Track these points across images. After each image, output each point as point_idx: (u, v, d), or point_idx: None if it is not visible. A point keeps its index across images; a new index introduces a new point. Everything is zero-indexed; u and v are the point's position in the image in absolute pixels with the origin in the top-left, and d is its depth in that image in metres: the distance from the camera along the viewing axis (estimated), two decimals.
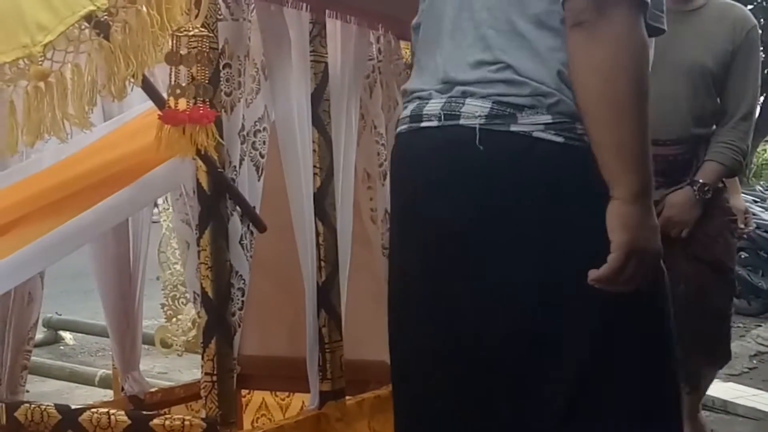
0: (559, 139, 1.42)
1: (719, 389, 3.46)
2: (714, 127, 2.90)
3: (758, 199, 8.30)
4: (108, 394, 3.32)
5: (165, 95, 1.76)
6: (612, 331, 1.45)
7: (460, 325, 1.48)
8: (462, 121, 1.44)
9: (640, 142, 1.41)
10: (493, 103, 1.43)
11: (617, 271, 1.39)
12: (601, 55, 1.37)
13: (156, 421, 1.91)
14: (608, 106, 1.39)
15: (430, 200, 1.50)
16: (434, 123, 1.48)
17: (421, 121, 1.50)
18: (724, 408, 3.93)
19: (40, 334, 5.30)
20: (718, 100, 2.88)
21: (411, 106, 1.53)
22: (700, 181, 2.82)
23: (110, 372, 3.05)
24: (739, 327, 5.95)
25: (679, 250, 2.86)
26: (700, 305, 2.87)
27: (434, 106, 1.48)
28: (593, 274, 1.39)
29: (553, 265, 1.43)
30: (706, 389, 3.08)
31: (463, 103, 1.45)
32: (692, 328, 2.90)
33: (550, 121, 1.42)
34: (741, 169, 2.97)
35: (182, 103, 1.71)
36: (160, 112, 1.73)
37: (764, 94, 12.46)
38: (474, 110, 1.44)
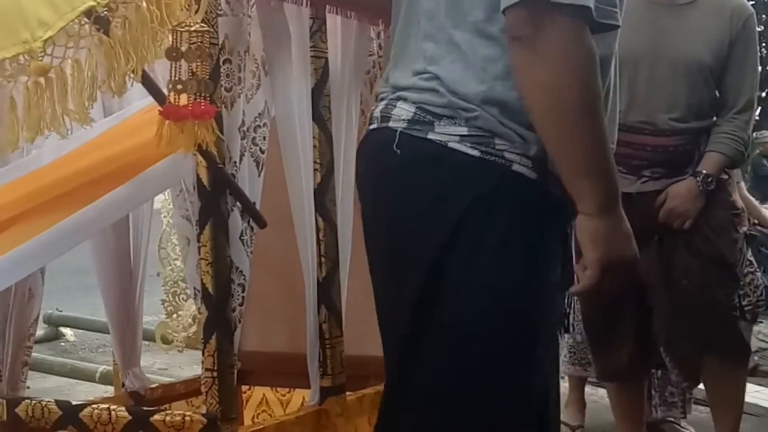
0: (475, 153, 1.41)
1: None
2: (714, 118, 2.90)
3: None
4: (109, 391, 3.32)
5: (165, 91, 1.76)
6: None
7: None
8: (390, 124, 1.48)
9: (597, 154, 1.38)
10: (417, 108, 1.45)
11: (594, 286, 1.40)
12: (545, 74, 1.34)
13: (156, 416, 1.91)
14: (558, 123, 1.36)
15: (359, 198, 1.60)
16: (375, 125, 1.53)
17: (371, 123, 1.55)
18: None
19: (40, 331, 5.31)
20: (718, 92, 2.88)
21: (372, 108, 1.59)
22: (704, 171, 2.82)
23: (111, 368, 3.06)
24: None
25: (682, 244, 2.88)
26: (703, 301, 2.87)
27: (379, 108, 1.53)
28: (573, 288, 1.44)
29: (443, 276, 1.42)
30: (734, 396, 3.00)
31: (395, 106, 1.48)
32: (698, 326, 2.89)
33: (466, 133, 1.41)
34: (743, 159, 2.98)
35: (182, 99, 1.70)
36: (160, 108, 1.72)
37: (765, 91, 12.44)
38: (401, 113, 1.46)
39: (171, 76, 1.71)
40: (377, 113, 1.53)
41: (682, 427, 3.70)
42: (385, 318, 1.56)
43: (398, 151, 1.44)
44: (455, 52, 1.42)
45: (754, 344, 5.30)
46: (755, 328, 5.74)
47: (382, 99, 1.53)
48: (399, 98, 1.48)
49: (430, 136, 1.43)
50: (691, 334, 2.90)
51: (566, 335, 3.52)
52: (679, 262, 2.87)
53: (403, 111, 1.46)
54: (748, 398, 4.00)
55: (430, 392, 1.46)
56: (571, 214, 1.47)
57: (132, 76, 1.57)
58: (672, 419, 3.69)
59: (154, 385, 2.54)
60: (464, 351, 1.44)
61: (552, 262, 1.49)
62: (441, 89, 1.42)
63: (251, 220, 1.98)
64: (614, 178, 1.41)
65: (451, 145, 1.41)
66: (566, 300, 1.75)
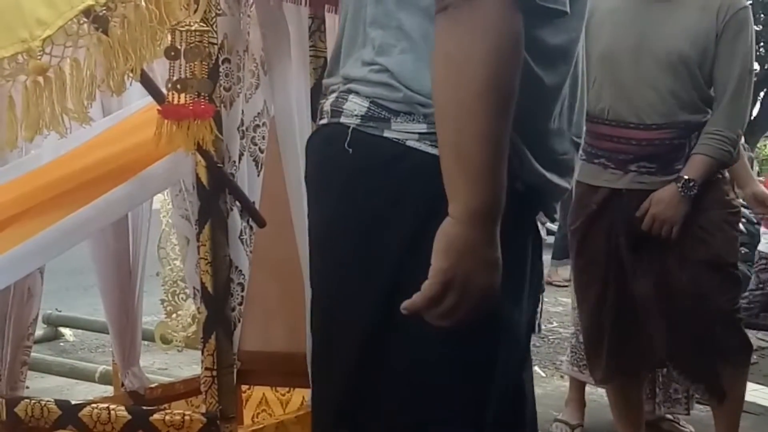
0: (434, 151, 1.26)
1: None
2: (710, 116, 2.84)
3: None
4: (108, 390, 3.32)
5: (164, 90, 1.76)
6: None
7: (315, 317, 1.47)
8: (342, 119, 1.34)
9: (486, 151, 1.20)
10: (370, 103, 1.31)
11: (431, 302, 1.22)
12: (455, 42, 1.19)
13: (156, 416, 1.91)
14: (453, 100, 1.20)
15: (308, 200, 1.46)
16: (325, 120, 1.39)
17: (321, 117, 1.41)
18: None
19: (39, 331, 5.30)
20: (712, 89, 2.83)
21: (323, 101, 1.44)
22: (685, 177, 2.76)
23: (110, 368, 3.05)
24: None
25: (672, 254, 2.81)
26: (703, 311, 2.80)
27: (329, 101, 1.39)
28: (408, 302, 1.22)
29: (402, 283, 1.28)
30: (737, 393, 2.96)
31: (346, 100, 1.34)
32: (699, 334, 2.81)
33: (425, 130, 1.28)
34: (731, 160, 2.88)
35: (181, 98, 1.71)
36: (159, 107, 1.73)
37: (765, 89, 12.41)
38: (353, 108, 1.33)
39: (170, 76, 1.71)
40: (327, 107, 1.38)
41: (682, 426, 3.70)
42: (334, 327, 1.40)
43: (350, 150, 1.31)
44: (405, 40, 1.30)
45: (754, 343, 5.30)
46: None
47: (333, 91, 1.39)
48: (350, 91, 1.34)
49: (386, 134, 1.30)
50: (699, 350, 2.85)
51: (571, 335, 3.50)
52: (672, 275, 2.82)
53: (356, 105, 1.33)
54: (747, 397, 4.01)
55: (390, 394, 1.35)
56: (546, 210, 1.41)
57: (131, 75, 1.57)
58: (671, 417, 3.69)
59: (153, 385, 2.54)
60: (420, 358, 1.32)
61: (521, 263, 1.38)
62: (394, 83, 1.29)
63: (250, 219, 1.98)
64: (498, 187, 1.22)
65: (409, 143, 1.29)
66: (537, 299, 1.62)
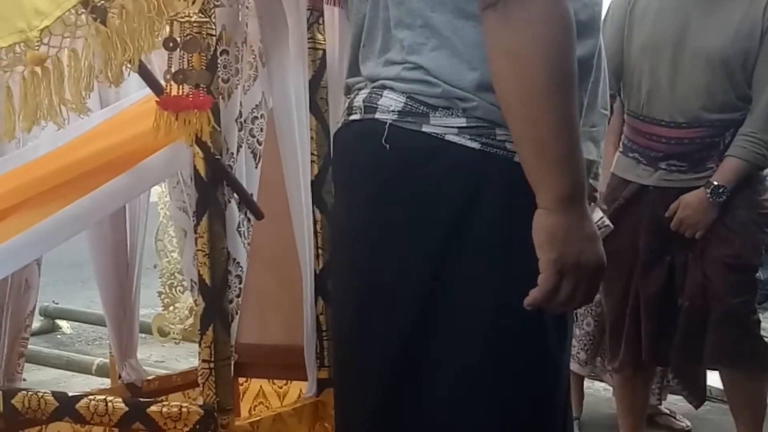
0: (475, 145, 1.27)
1: (717, 379, 3.47)
2: (746, 113, 2.77)
3: None
4: (105, 383, 3.32)
5: (162, 82, 1.75)
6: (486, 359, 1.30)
7: (341, 324, 1.44)
8: (378, 115, 1.32)
9: (565, 138, 1.22)
10: (408, 98, 1.30)
11: (551, 293, 1.23)
12: (514, 38, 1.20)
13: (153, 408, 1.91)
14: (523, 96, 1.21)
15: (338, 195, 1.45)
16: (357, 116, 1.37)
17: (351, 113, 1.39)
18: (722, 397, 3.93)
19: (37, 323, 5.31)
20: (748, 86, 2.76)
21: (349, 98, 1.42)
22: (715, 183, 2.71)
23: (107, 360, 3.06)
24: None
25: (692, 251, 2.76)
26: (719, 313, 2.75)
27: (361, 97, 1.37)
28: (528, 297, 1.24)
29: (443, 277, 1.29)
30: (757, 404, 2.87)
31: (381, 95, 1.33)
32: (714, 341, 2.75)
33: (465, 124, 1.28)
34: (766, 163, 2.80)
35: (179, 90, 1.70)
36: (157, 99, 1.72)
37: None
38: (389, 104, 1.31)
39: (168, 67, 1.70)
40: (359, 102, 1.36)
41: (678, 420, 3.71)
42: (365, 335, 1.37)
43: (387, 146, 1.30)
44: (435, 38, 1.28)
45: None
46: None
47: (359, 89, 1.38)
48: (384, 87, 1.33)
49: (425, 128, 1.29)
50: (700, 354, 2.80)
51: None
52: (691, 279, 2.78)
53: (392, 101, 1.31)
54: None
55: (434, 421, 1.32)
56: None
57: (129, 66, 1.56)
58: (668, 411, 3.70)
59: (150, 377, 2.54)
60: (464, 362, 1.30)
61: None
62: (431, 79, 1.28)
63: (248, 211, 1.98)
64: (581, 168, 1.24)
65: (448, 137, 1.28)
66: None
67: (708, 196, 2.72)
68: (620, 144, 2.94)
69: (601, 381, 3.66)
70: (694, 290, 2.78)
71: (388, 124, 1.31)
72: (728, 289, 2.75)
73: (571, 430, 1.44)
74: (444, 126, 1.29)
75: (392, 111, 1.31)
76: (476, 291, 1.29)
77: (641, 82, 2.81)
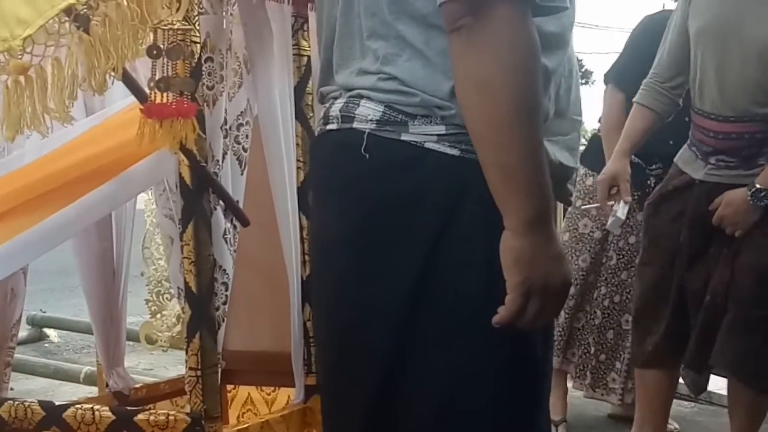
0: (454, 152, 1.28)
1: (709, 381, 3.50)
2: None
3: None
4: (93, 391, 3.31)
5: (146, 89, 1.75)
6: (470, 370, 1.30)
7: (326, 334, 1.44)
8: (355, 125, 1.32)
9: (530, 163, 1.23)
10: (385, 107, 1.30)
11: (518, 313, 1.25)
12: (479, 64, 1.20)
13: (140, 416, 1.91)
14: (489, 122, 1.22)
15: (317, 206, 1.45)
16: (335, 125, 1.36)
17: (328, 122, 1.38)
18: (710, 399, 3.95)
19: (24, 332, 5.29)
20: None
21: (325, 106, 1.42)
22: (757, 185, 2.64)
23: (95, 369, 3.04)
24: None
25: (729, 253, 2.70)
26: (734, 318, 2.69)
27: (337, 106, 1.36)
28: (496, 317, 1.25)
29: (427, 286, 1.29)
30: (755, 418, 2.82)
31: (358, 105, 1.32)
32: (721, 340, 2.68)
33: (444, 132, 1.28)
34: None
35: (164, 97, 1.70)
36: (142, 106, 1.72)
37: None
38: (367, 113, 1.31)
39: (152, 75, 1.70)
40: (335, 112, 1.36)
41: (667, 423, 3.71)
42: (350, 346, 1.37)
43: (367, 155, 1.29)
44: (408, 49, 1.29)
45: None
46: None
47: (334, 98, 1.38)
48: (361, 96, 1.32)
49: (404, 137, 1.29)
50: (712, 353, 2.74)
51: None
52: (718, 276, 2.72)
53: (370, 110, 1.30)
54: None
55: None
56: (560, 192, 1.39)
57: (113, 74, 1.56)
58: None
59: (138, 385, 2.53)
60: (459, 386, 1.30)
61: None
62: (407, 89, 1.28)
63: (234, 218, 1.98)
64: (547, 191, 1.25)
65: (427, 145, 1.28)
66: None
67: (749, 198, 2.66)
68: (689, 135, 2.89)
69: (583, 388, 3.65)
70: (718, 288, 2.72)
71: (366, 133, 1.30)
72: (750, 298, 2.70)
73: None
74: (423, 134, 1.29)
75: (370, 120, 1.31)
76: (460, 297, 1.29)
77: (696, 74, 2.75)
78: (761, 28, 2.63)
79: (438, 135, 1.28)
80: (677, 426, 3.68)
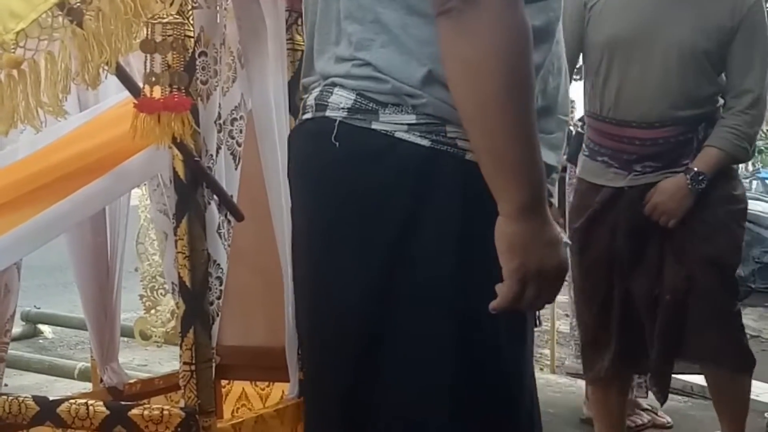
0: (425, 142, 1.27)
1: (698, 376, 3.48)
2: (718, 105, 2.73)
3: None
4: (87, 387, 3.31)
5: (140, 84, 1.75)
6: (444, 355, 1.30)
7: (304, 321, 1.45)
8: (328, 113, 1.32)
9: (522, 147, 1.22)
10: (357, 95, 1.29)
11: (514, 299, 1.24)
12: (470, 48, 1.18)
13: (135, 411, 1.90)
14: (480, 106, 1.20)
15: (293, 194, 1.45)
16: (309, 114, 1.36)
17: (305, 112, 1.39)
18: (703, 393, 3.97)
19: (18, 328, 5.28)
20: (723, 77, 2.71)
21: (305, 97, 1.42)
22: (695, 169, 2.65)
23: (89, 365, 3.04)
24: None
25: (673, 251, 2.70)
26: (702, 311, 2.69)
27: (313, 95, 1.36)
28: (492, 303, 1.25)
29: (396, 276, 1.28)
30: (740, 402, 2.83)
31: (331, 93, 1.32)
32: (695, 336, 2.69)
33: (414, 121, 1.27)
34: (747, 157, 2.79)
35: (157, 91, 1.70)
36: (135, 101, 1.72)
37: None
38: (339, 101, 1.30)
39: (146, 69, 1.70)
40: (311, 101, 1.36)
41: (660, 416, 3.73)
42: (322, 334, 1.38)
43: (337, 143, 1.29)
44: (385, 34, 1.27)
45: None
46: None
47: (314, 87, 1.37)
48: (334, 84, 1.32)
49: (375, 126, 1.28)
50: (677, 351, 2.76)
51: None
52: (672, 273, 2.72)
53: (342, 98, 1.30)
54: None
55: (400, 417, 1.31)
56: None
57: (106, 68, 1.56)
58: (649, 407, 3.72)
59: (132, 381, 2.53)
60: (419, 357, 1.29)
61: None
62: (379, 75, 1.27)
63: (228, 213, 1.98)
64: (540, 175, 1.24)
65: (398, 135, 1.27)
66: None
67: (688, 182, 2.66)
68: (584, 147, 2.87)
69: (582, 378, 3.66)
70: (677, 286, 2.72)
71: (337, 121, 1.30)
72: (713, 288, 2.71)
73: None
74: (393, 123, 1.28)
75: (342, 108, 1.30)
76: (429, 288, 1.28)
77: (607, 82, 2.73)
78: (679, 30, 2.64)
79: (408, 124, 1.27)
80: (670, 420, 3.69)
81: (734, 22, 2.66)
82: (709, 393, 3.01)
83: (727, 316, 2.76)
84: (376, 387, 1.32)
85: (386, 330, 1.30)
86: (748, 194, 3.21)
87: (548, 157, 1.40)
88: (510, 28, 1.19)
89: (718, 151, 2.68)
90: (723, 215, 2.73)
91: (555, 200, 1.50)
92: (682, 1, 2.66)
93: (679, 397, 3.99)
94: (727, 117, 2.71)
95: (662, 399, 2.92)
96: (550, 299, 1.30)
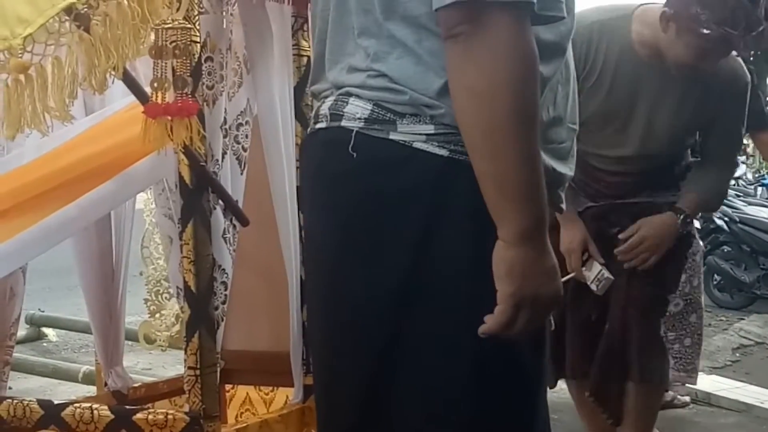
0: (443, 152, 1.26)
1: (703, 382, 3.49)
2: (689, 151, 2.83)
3: (740, 194, 8.33)
4: (92, 391, 3.31)
5: (146, 89, 1.75)
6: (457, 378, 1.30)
7: (317, 330, 1.43)
8: (343, 123, 1.31)
9: (525, 174, 1.22)
10: (374, 105, 1.28)
11: (506, 324, 1.24)
12: (476, 74, 1.19)
13: (139, 415, 1.91)
14: (485, 132, 1.20)
15: (306, 203, 1.45)
16: (323, 124, 1.35)
17: (318, 121, 1.38)
18: (708, 400, 3.96)
19: (22, 331, 5.28)
20: (699, 140, 2.81)
21: (316, 105, 1.42)
22: (685, 212, 2.71)
23: (93, 368, 3.05)
24: (722, 320, 5.97)
25: (621, 275, 2.74)
26: (642, 334, 2.76)
27: (327, 104, 1.35)
28: (483, 327, 1.25)
29: (412, 287, 1.28)
30: (648, 417, 2.91)
31: (347, 103, 1.31)
32: (637, 356, 2.76)
33: (432, 132, 1.26)
34: (717, 208, 3.02)
35: (165, 96, 1.70)
36: (143, 107, 1.72)
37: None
38: (355, 111, 1.29)
39: (153, 74, 1.71)
40: (325, 110, 1.35)
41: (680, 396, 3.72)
42: (339, 345, 1.37)
43: (354, 153, 1.28)
44: (399, 47, 1.27)
45: (736, 341, 5.35)
46: (737, 324, 5.81)
47: (326, 96, 1.36)
48: (349, 94, 1.31)
49: (392, 136, 1.27)
50: (623, 372, 2.82)
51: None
52: (615, 297, 2.79)
53: (359, 108, 1.29)
54: (730, 395, 4.05)
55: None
56: (552, 198, 1.37)
57: (113, 73, 1.56)
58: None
59: (137, 385, 2.53)
60: (434, 373, 1.29)
61: None
62: (396, 86, 1.27)
63: (234, 218, 1.98)
64: (542, 203, 1.24)
65: (416, 145, 1.26)
66: None
67: (678, 224, 2.72)
68: None
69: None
70: (617, 311, 2.78)
71: (354, 131, 1.29)
72: (650, 312, 2.79)
73: None
74: (412, 133, 1.27)
75: (359, 118, 1.29)
76: (445, 299, 1.28)
77: (587, 143, 2.67)
78: (660, 111, 2.66)
79: (427, 135, 1.27)
80: (688, 398, 3.68)
81: (716, 111, 2.69)
82: (626, 404, 2.96)
83: (661, 337, 2.84)
84: (393, 392, 1.32)
85: (403, 337, 1.30)
86: (753, 201, 3.31)
87: (558, 165, 1.41)
88: (517, 56, 1.19)
89: (700, 198, 2.78)
90: (673, 249, 2.77)
91: (564, 206, 1.50)
92: (666, 84, 2.66)
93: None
94: (710, 170, 2.78)
95: (616, 421, 2.91)
96: (539, 326, 1.30)
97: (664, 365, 2.85)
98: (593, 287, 2.78)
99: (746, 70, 2.73)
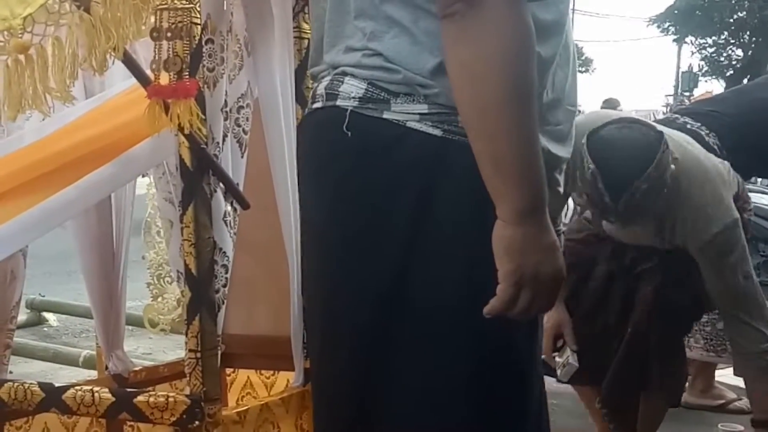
0: (437, 132, 1.27)
1: (720, 376, 3.57)
2: None
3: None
4: (92, 375, 3.30)
5: (147, 71, 1.75)
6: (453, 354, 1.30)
7: (313, 313, 1.45)
8: (338, 102, 1.31)
9: (522, 152, 1.21)
10: (369, 84, 1.29)
11: (508, 303, 1.24)
12: (471, 52, 1.19)
13: (140, 398, 1.91)
14: (480, 110, 1.20)
15: (302, 184, 1.45)
16: (320, 104, 1.36)
17: (315, 101, 1.39)
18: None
19: (23, 316, 5.29)
20: None
21: (314, 86, 1.42)
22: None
23: (94, 353, 3.05)
24: None
25: (650, 285, 2.78)
26: (663, 346, 2.78)
27: (323, 84, 1.36)
28: (487, 306, 1.24)
29: (407, 267, 1.28)
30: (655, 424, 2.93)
31: (342, 82, 1.32)
32: (656, 368, 2.78)
33: (426, 111, 1.27)
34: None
35: (164, 78, 1.70)
36: (144, 89, 1.72)
37: (749, 76, 12.39)
38: (350, 90, 1.30)
39: (154, 56, 1.70)
40: (321, 90, 1.35)
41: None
42: (334, 322, 1.38)
43: (348, 132, 1.29)
44: (396, 27, 1.28)
45: None
46: None
47: (323, 76, 1.37)
48: (345, 74, 1.31)
49: (386, 115, 1.28)
50: (636, 384, 2.84)
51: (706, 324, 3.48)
52: (641, 305, 2.82)
53: (353, 88, 1.30)
54: (726, 380, 4.04)
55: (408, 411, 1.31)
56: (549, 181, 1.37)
57: (113, 54, 1.55)
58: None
59: (137, 368, 2.53)
60: (446, 366, 1.29)
61: None
62: (390, 65, 1.27)
63: (234, 201, 1.97)
64: (540, 181, 1.23)
65: (410, 124, 1.27)
66: None
67: None
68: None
69: None
70: (644, 316, 2.79)
71: (348, 110, 1.30)
72: (678, 321, 2.82)
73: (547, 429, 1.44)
74: (405, 113, 1.28)
75: (353, 97, 1.30)
76: (440, 281, 1.28)
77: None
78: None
79: (420, 114, 1.28)
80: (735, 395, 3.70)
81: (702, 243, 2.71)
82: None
83: (683, 352, 2.92)
84: (387, 378, 1.32)
85: (397, 317, 1.30)
86: (754, 188, 3.27)
87: (555, 147, 1.40)
88: (513, 33, 1.19)
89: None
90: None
91: (561, 189, 1.50)
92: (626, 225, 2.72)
93: None
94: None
95: None
96: (545, 307, 1.29)
97: (682, 379, 2.92)
98: (558, 371, 2.81)
99: None
